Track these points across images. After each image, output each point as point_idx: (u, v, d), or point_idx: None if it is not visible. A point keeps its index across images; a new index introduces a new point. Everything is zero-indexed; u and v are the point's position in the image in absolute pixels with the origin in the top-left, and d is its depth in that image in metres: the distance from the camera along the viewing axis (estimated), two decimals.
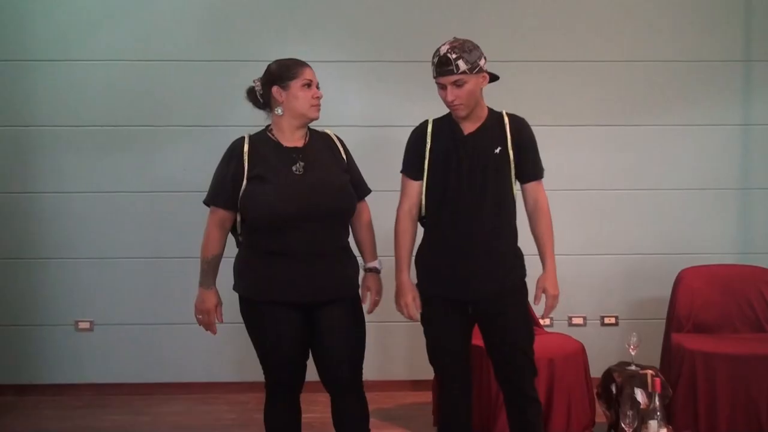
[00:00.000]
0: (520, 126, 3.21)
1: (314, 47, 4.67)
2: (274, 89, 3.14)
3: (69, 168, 4.93)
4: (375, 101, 4.92)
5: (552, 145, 4.89)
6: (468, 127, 3.17)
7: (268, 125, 3.24)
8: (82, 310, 4.98)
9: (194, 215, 4.87)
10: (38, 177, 4.93)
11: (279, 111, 3.16)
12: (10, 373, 4.96)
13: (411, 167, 3.24)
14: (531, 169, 3.22)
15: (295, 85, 3.12)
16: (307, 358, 3.23)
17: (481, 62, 3.07)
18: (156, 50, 4.90)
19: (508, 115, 3.23)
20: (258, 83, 3.22)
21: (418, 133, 3.26)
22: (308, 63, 3.21)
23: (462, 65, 3.02)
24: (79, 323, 4.98)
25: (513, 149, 3.16)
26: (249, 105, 4.81)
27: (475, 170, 3.13)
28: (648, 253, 5.05)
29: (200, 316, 3.26)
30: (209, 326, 3.27)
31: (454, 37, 3.11)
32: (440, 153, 3.17)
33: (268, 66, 3.21)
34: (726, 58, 5.00)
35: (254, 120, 4.63)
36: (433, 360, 3.31)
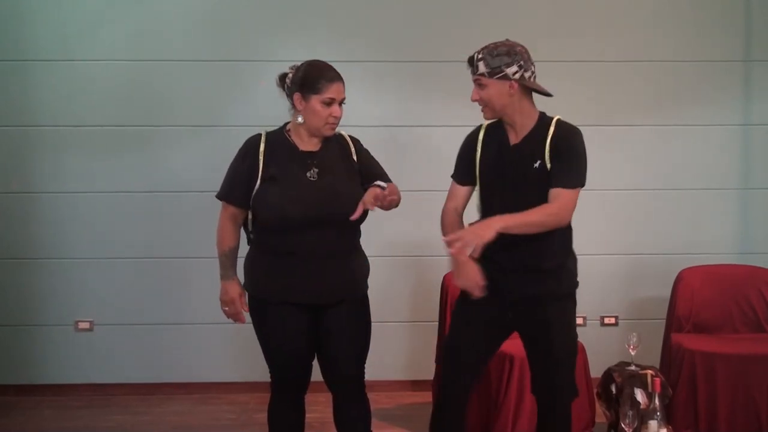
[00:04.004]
0: (563, 136, 3.07)
1: (314, 47, 4.66)
2: (296, 96, 3.10)
3: (69, 168, 4.93)
4: (376, 102, 4.92)
5: None
6: (513, 138, 3.11)
7: (286, 123, 3.21)
8: (82, 310, 4.98)
9: (194, 215, 4.90)
10: (38, 177, 4.93)
11: (300, 119, 3.12)
12: (10, 373, 4.96)
13: (458, 172, 3.24)
14: (556, 175, 3.01)
15: (315, 100, 3.06)
16: (313, 358, 3.23)
17: (509, 69, 2.98)
18: (156, 50, 4.90)
19: (557, 123, 3.10)
20: (290, 75, 3.14)
21: (470, 139, 3.23)
22: (340, 75, 3.10)
23: (482, 67, 3.01)
24: (79, 323, 4.98)
25: (551, 161, 3.03)
26: (249, 105, 4.88)
27: (516, 184, 3.06)
28: (648, 253, 5.05)
29: (226, 308, 3.23)
30: (236, 316, 3.23)
31: (507, 39, 3.07)
32: (488, 163, 3.14)
33: (302, 64, 3.15)
34: (726, 58, 5.00)
35: (255, 120, 4.65)
36: (444, 351, 3.27)
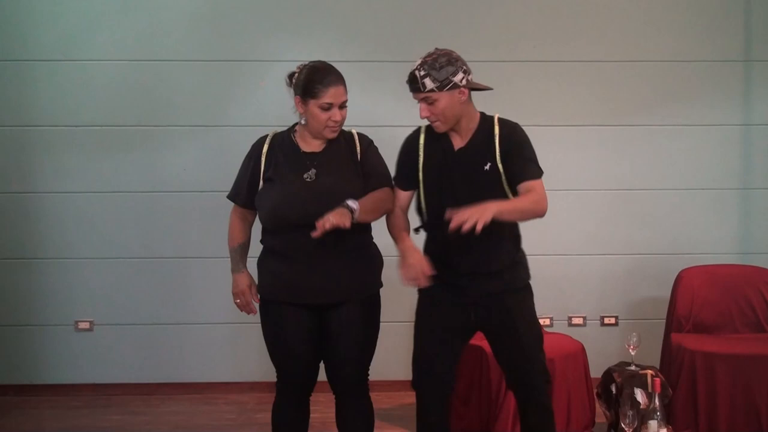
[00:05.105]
0: (508, 133, 3.07)
1: (314, 47, 4.67)
2: (296, 99, 3.09)
3: (69, 168, 4.93)
4: (375, 102, 4.92)
5: (552, 145, 4.90)
6: (458, 141, 3.09)
7: (296, 123, 3.19)
8: (82, 310, 4.98)
9: (194, 215, 4.91)
10: (38, 177, 4.93)
11: (303, 121, 3.13)
12: (10, 373, 4.96)
13: (402, 180, 3.17)
14: (519, 171, 3.02)
15: (314, 104, 3.05)
16: (319, 359, 3.21)
17: (456, 78, 2.95)
18: (156, 50, 4.90)
19: (499, 122, 3.09)
20: (297, 74, 3.12)
21: (410, 144, 3.17)
22: (341, 77, 3.07)
23: (429, 83, 2.94)
24: (79, 323, 4.98)
25: (502, 162, 3.03)
26: (249, 105, 4.89)
27: (466, 188, 3.04)
28: (648, 253, 5.05)
29: (237, 300, 3.26)
30: (247, 306, 3.25)
31: (435, 48, 3.01)
32: (432, 168, 3.09)
33: (304, 67, 3.12)
34: (726, 58, 5.00)
35: (255, 120, 4.66)
36: (418, 363, 3.18)
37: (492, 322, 3.16)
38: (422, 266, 2.97)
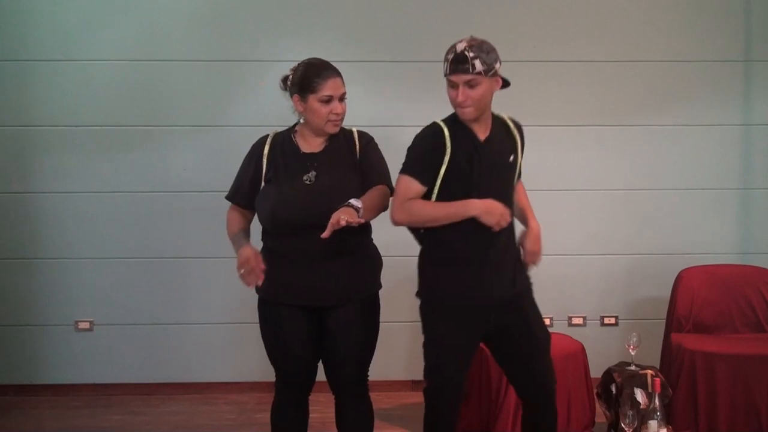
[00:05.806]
0: (522, 132, 3.18)
1: (314, 47, 4.64)
2: (295, 98, 3.08)
3: (69, 168, 4.93)
4: (375, 102, 4.92)
5: (552, 145, 4.91)
6: (481, 133, 3.02)
7: (297, 123, 3.18)
8: (82, 310, 4.98)
9: (194, 215, 4.91)
10: (38, 177, 4.93)
11: (301, 120, 3.13)
12: (10, 373, 4.96)
13: (425, 172, 2.98)
14: (519, 169, 3.19)
15: (313, 99, 3.03)
16: (318, 359, 3.21)
17: (497, 65, 2.93)
18: (156, 50, 4.90)
19: (510, 119, 3.16)
20: (291, 76, 3.12)
21: (437, 137, 2.99)
22: (337, 70, 3.08)
23: (478, 65, 2.87)
24: (79, 323, 4.98)
25: (520, 156, 3.16)
26: (249, 105, 4.89)
27: (494, 179, 3.02)
28: (648, 253, 5.05)
29: (242, 270, 2.97)
30: (254, 273, 2.95)
31: (471, 36, 2.95)
32: (461, 161, 2.97)
33: (299, 65, 3.12)
34: (726, 58, 5.00)
35: (255, 120, 4.66)
36: (437, 376, 3.08)
37: (511, 322, 3.11)
38: (499, 206, 2.95)
